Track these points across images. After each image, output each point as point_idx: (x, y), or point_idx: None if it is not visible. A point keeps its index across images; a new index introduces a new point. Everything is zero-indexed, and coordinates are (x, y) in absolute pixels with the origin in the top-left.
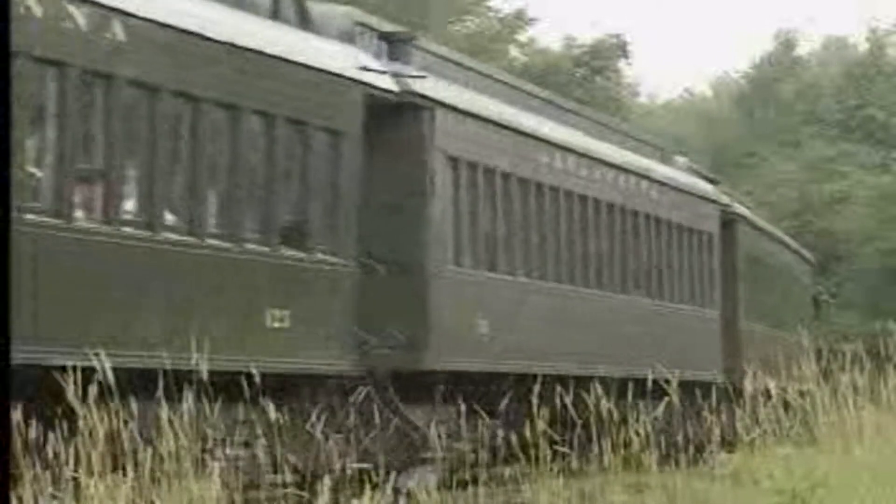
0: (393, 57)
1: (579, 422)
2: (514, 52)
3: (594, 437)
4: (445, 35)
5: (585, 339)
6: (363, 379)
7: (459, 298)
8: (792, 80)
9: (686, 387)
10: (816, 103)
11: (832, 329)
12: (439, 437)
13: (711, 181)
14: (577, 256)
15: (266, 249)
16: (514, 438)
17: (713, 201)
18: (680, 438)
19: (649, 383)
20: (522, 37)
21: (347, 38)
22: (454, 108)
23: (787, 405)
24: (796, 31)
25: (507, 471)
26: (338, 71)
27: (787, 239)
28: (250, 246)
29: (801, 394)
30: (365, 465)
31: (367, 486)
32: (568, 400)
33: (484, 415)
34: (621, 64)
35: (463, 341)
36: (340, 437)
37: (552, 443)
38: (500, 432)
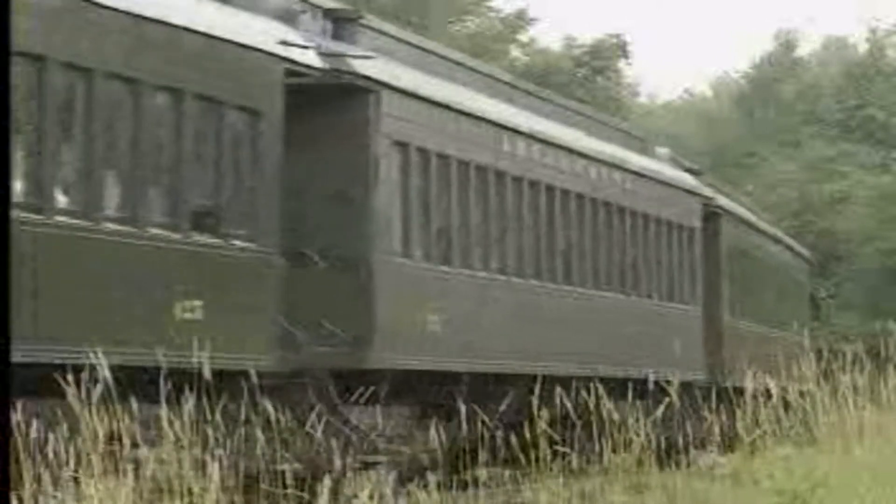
0: (338, 36)
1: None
2: (515, 52)
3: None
4: (446, 35)
5: (551, 336)
6: (297, 377)
7: (408, 293)
8: (792, 81)
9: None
10: (816, 103)
11: (832, 330)
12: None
13: (694, 173)
14: (543, 250)
15: (176, 236)
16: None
17: (695, 194)
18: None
19: (650, 384)
20: (523, 37)
21: (289, 15)
22: (403, 91)
23: (787, 405)
24: (796, 31)
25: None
26: (252, 44)
27: (780, 234)
28: (156, 231)
29: (801, 394)
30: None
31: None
32: (568, 402)
33: (483, 415)
34: (621, 64)
35: (412, 339)
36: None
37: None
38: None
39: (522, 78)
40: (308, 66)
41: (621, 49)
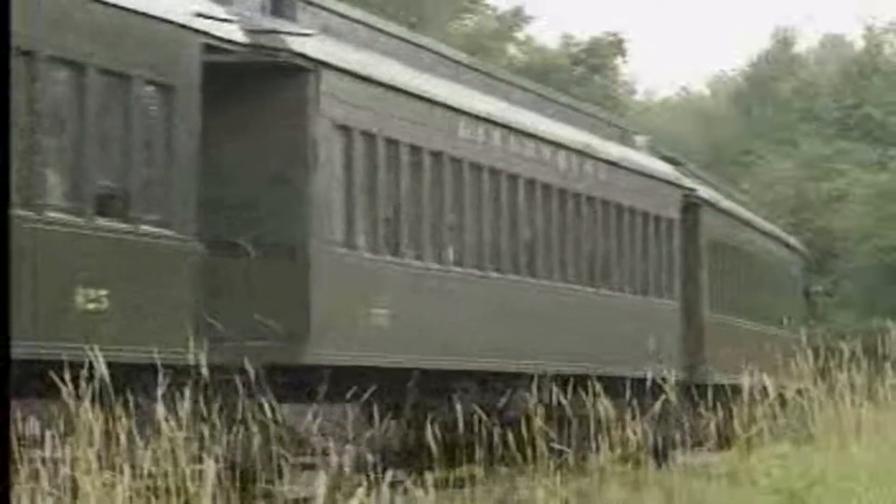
0: (278, 13)
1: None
2: (512, 50)
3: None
4: (444, 33)
5: (512, 332)
6: (222, 372)
7: (351, 285)
8: (789, 79)
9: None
10: (814, 101)
11: (829, 327)
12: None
13: (674, 163)
14: (504, 242)
15: (79, 220)
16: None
17: (674, 184)
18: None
19: (649, 383)
20: (520, 35)
21: None
22: (346, 71)
23: (783, 402)
24: (794, 29)
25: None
26: (162, 16)
27: (771, 228)
28: (55, 215)
29: (799, 391)
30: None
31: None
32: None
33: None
34: (618, 62)
35: (355, 333)
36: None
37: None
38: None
39: (522, 76)
40: (229, 41)
41: (618, 47)
